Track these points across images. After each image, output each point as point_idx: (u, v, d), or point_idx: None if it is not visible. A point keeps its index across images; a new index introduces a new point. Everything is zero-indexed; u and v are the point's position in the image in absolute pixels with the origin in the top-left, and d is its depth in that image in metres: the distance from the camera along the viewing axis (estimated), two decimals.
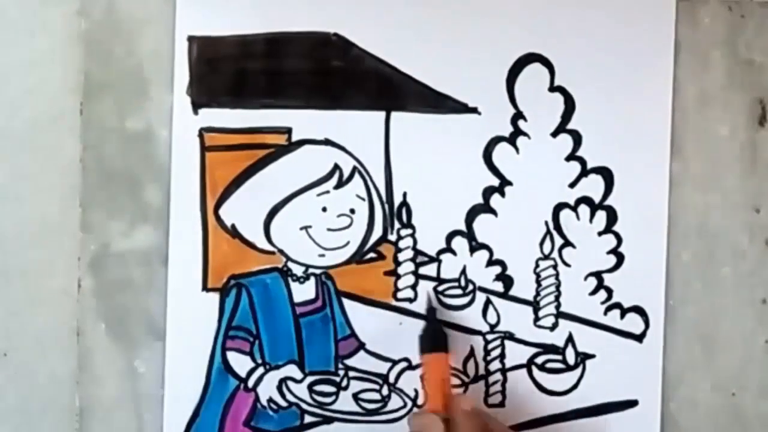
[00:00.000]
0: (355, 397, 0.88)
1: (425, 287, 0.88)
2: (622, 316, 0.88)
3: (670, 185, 0.89)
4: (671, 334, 0.89)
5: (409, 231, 0.88)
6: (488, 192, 0.88)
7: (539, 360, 0.88)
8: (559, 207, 0.88)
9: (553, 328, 0.89)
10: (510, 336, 0.89)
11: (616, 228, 0.88)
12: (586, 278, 0.88)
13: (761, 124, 0.90)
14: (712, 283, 0.90)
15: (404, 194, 0.87)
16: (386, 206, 0.87)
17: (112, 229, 0.88)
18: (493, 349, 0.88)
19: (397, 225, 0.87)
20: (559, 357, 0.89)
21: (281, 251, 0.87)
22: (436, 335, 0.86)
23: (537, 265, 0.88)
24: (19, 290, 0.87)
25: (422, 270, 0.88)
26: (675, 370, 0.90)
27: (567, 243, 0.88)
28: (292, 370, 0.88)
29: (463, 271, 0.88)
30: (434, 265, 0.88)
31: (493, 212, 0.88)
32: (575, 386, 0.89)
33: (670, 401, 0.90)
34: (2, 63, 0.86)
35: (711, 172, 0.90)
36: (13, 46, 0.86)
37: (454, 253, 0.88)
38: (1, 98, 0.86)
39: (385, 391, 0.88)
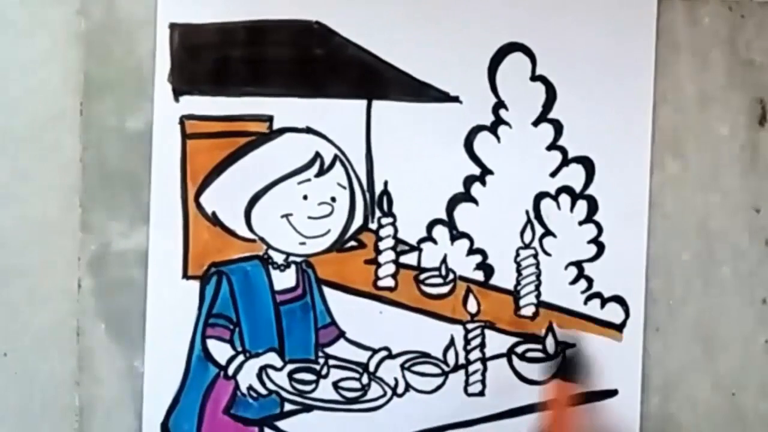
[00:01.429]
0: (335, 385, 0.88)
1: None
2: (603, 305, 0.88)
3: (670, 185, 0.90)
4: (671, 334, 0.89)
5: (390, 220, 0.88)
6: (469, 181, 0.88)
7: (519, 349, 0.88)
8: (540, 196, 0.88)
9: (533, 317, 0.88)
10: (490, 325, 0.88)
11: (596, 217, 0.88)
12: (566, 267, 0.88)
13: (761, 124, 0.89)
14: (712, 283, 0.90)
15: (385, 183, 0.87)
16: (367, 195, 0.87)
17: (112, 229, 0.88)
18: (474, 338, 0.88)
19: (378, 213, 0.88)
20: (540, 346, 0.88)
21: (262, 239, 0.87)
22: (574, 366, 0.88)
23: (518, 254, 0.88)
24: (19, 290, 0.88)
25: (403, 259, 0.88)
26: (675, 370, 0.89)
27: (548, 232, 0.88)
28: (272, 358, 0.88)
29: (444, 260, 0.88)
30: (415, 254, 0.88)
31: (474, 201, 0.88)
32: (555, 375, 0.88)
33: (670, 401, 0.89)
34: (2, 63, 0.87)
35: (711, 172, 0.90)
36: (13, 46, 0.87)
37: (434, 241, 0.88)
38: (1, 98, 0.87)
39: (365, 379, 0.88)
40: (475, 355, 0.89)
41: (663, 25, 0.88)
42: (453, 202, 0.88)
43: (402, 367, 0.88)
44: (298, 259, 0.88)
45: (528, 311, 0.89)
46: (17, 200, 0.87)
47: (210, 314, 0.88)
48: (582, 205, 0.89)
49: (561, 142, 0.88)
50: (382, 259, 0.89)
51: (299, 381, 0.88)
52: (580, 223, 0.89)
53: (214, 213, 0.87)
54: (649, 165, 0.89)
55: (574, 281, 0.89)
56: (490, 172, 0.87)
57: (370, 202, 0.88)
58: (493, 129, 0.88)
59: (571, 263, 0.89)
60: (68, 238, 0.87)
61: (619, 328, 0.89)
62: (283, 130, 0.87)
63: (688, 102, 0.88)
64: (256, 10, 0.87)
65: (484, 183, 0.88)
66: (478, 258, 0.89)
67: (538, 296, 0.89)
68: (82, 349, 0.87)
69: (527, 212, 0.89)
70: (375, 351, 0.88)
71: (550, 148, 0.88)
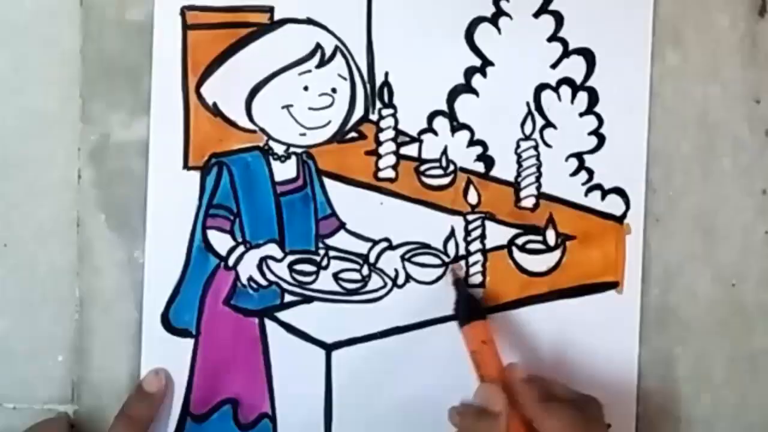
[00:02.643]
0: (335, 276, 0.87)
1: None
2: (603, 197, 0.88)
3: (670, 76, 0.89)
4: (671, 225, 0.89)
5: (391, 111, 0.88)
6: (470, 72, 0.88)
7: (520, 241, 0.88)
8: (540, 88, 0.88)
9: (534, 209, 0.88)
10: (491, 216, 0.87)
11: (597, 109, 0.88)
12: (567, 159, 0.88)
13: (761, 15, 0.89)
14: (711, 175, 0.90)
15: (386, 74, 0.87)
16: (368, 86, 0.87)
17: (113, 119, 0.88)
18: (474, 229, 0.88)
19: (378, 105, 0.88)
20: (540, 238, 0.88)
21: (262, 130, 0.87)
22: (469, 305, 0.86)
23: (518, 146, 0.88)
24: (19, 181, 0.88)
25: (403, 150, 0.88)
26: (675, 262, 0.90)
27: (548, 124, 0.88)
28: (272, 249, 0.87)
29: (444, 152, 0.88)
30: (415, 145, 0.88)
31: (475, 92, 0.88)
32: (555, 267, 0.88)
33: (669, 292, 0.89)
34: None
35: (711, 63, 0.90)
36: None
37: (435, 133, 0.88)
38: None
39: (365, 270, 0.87)
40: (476, 246, 0.89)
41: None
42: (453, 94, 0.88)
43: (402, 258, 0.88)
44: (299, 150, 0.88)
45: (528, 203, 0.89)
46: (17, 92, 0.87)
47: (210, 205, 0.88)
48: (582, 97, 0.89)
49: (561, 34, 0.88)
50: (382, 150, 0.89)
51: (299, 272, 0.88)
52: (581, 115, 0.89)
53: (215, 104, 0.88)
54: (649, 56, 0.88)
55: (575, 173, 0.89)
56: (491, 64, 0.87)
57: (370, 93, 0.88)
58: (493, 20, 0.88)
59: (572, 155, 0.89)
60: (68, 129, 0.87)
61: (620, 219, 0.89)
62: (283, 21, 0.87)
63: None
64: None
65: (484, 74, 0.88)
66: (478, 149, 0.89)
67: (538, 188, 0.89)
68: (82, 240, 0.87)
69: (528, 104, 0.88)
70: (375, 242, 0.88)
71: (550, 39, 0.88)
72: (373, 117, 0.88)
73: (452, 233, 0.88)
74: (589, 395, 0.83)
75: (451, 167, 0.88)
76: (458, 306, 0.86)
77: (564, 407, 0.80)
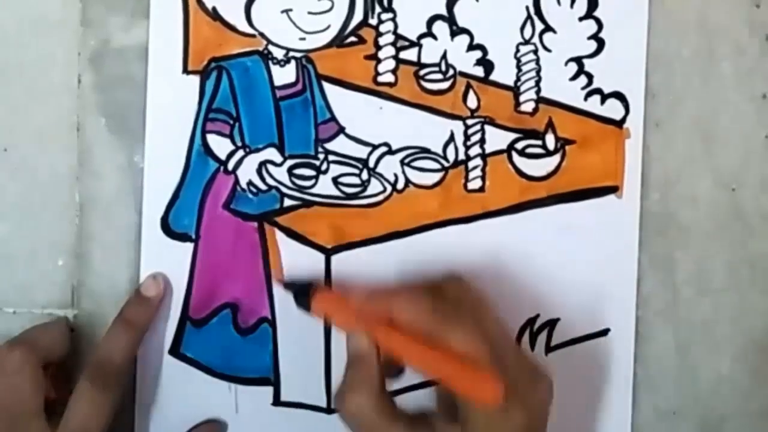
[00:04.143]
0: (335, 180, 0.87)
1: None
2: (603, 101, 0.88)
3: None
4: (671, 130, 0.89)
5: (390, 15, 0.87)
6: None
7: (519, 145, 0.88)
8: None
9: (533, 113, 0.88)
10: (490, 121, 0.87)
11: (596, 13, 0.88)
12: (566, 63, 0.88)
13: None
14: (711, 79, 0.90)
15: None
16: None
17: (112, 24, 0.88)
18: (474, 134, 0.88)
19: (378, 9, 0.87)
20: (539, 142, 0.88)
21: (262, 34, 0.87)
22: (304, 290, 0.83)
23: (517, 50, 0.88)
24: (19, 86, 0.88)
25: (403, 54, 0.88)
26: (675, 166, 0.90)
27: (548, 28, 0.88)
28: (271, 153, 0.87)
29: (444, 56, 0.87)
30: (415, 50, 0.88)
31: None
32: (555, 171, 0.88)
33: (669, 197, 0.89)
34: None
35: None
36: None
37: (434, 37, 0.88)
38: None
39: (364, 175, 0.87)
40: (475, 150, 0.89)
41: None
42: None
43: (402, 162, 0.88)
44: (298, 55, 0.88)
45: (528, 107, 0.89)
46: None
47: (210, 109, 0.88)
48: (582, 1, 0.89)
49: None
50: (381, 54, 0.88)
51: (299, 176, 0.88)
52: (580, 19, 0.89)
53: (214, 8, 0.88)
54: None
55: (574, 77, 0.89)
56: None
57: None
58: None
59: (571, 59, 0.89)
60: (68, 34, 0.87)
61: (619, 124, 0.88)
62: None
63: None
64: None
65: None
66: (478, 54, 0.89)
67: (538, 92, 0.89)
68: (82, 144, 0.87)
69: (527, 8, 0.88)
70: (375, 146, 0.88)
71: None
72: (373, 21, 0.88)
73: (452, 138, 0.88)
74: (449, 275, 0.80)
75: (451, 72, 0.88)
76: (297, 297, 0.83)
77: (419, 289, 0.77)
